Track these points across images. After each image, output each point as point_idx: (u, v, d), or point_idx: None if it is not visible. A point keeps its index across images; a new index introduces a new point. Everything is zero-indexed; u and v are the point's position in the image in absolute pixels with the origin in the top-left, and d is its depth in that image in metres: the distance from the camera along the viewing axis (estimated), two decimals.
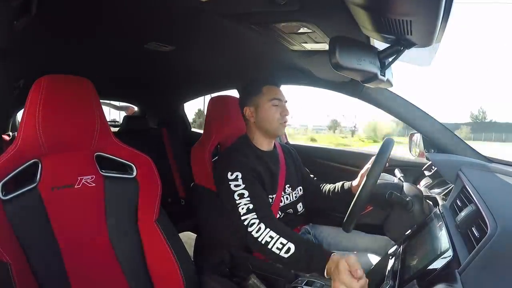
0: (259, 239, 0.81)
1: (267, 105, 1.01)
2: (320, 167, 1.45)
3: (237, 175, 0.92)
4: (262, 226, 0.83)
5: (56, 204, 0.73)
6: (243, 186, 0.90)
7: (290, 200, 1.07)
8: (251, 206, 0.87)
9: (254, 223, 0.84)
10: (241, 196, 0.89)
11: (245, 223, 0.85)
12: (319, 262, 0.72)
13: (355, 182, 1.04)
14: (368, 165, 1.00)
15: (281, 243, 0.79)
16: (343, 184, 1.09)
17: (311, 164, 1.36)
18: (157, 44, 1.01)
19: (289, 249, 0.77)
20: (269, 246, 0.80)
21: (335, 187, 1.12)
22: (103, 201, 0.79)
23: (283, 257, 0.77)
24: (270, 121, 1.01)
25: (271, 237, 0.80)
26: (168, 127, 2.20)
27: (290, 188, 1.08)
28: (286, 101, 1.04)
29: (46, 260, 0.71)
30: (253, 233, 0.83)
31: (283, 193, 1.05)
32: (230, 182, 0.92)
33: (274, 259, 0.81)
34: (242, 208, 0.87)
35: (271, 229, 0.82)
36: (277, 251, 0.78)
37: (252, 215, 0.86)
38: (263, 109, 1.01)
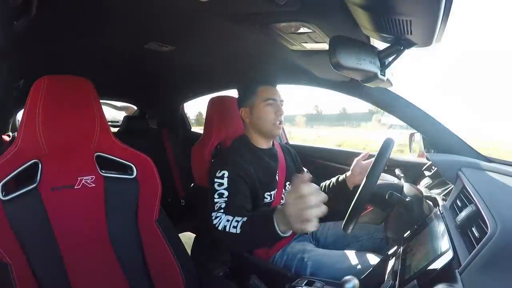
0: (219, 227, 0.81)
1: (261, 105, 1.01)
2: (320, 167, 1.44)
3: (223, 173, 0.92)
4: (223, 215, 0.83)
5: (56, 204, 0.73)
6: (225, 186, 0.90)
7: None
8: (223, 205, 0.86)
9: (218, 217, 0.83)
10: (221, 195, 0.89)
11: (213, 219, 0.84)
12: (271, 220, 0.69)
13: (348, 173, 1.04)
14: (359, 157, 1.02)
15: (236, 221, 0.79)
16: (337, 177, 1.10)
17: (311, 164, 1.36)
18: (157, 44, 1.02)
19: (243, 223, 0.77)
20: (227, 229, 0.79)
21: (330, 181, 1.12)
22: (103, 201, 0.79)
23: (240, 234, 0.77)
24: (264, 121, 1.01)
25: (228, 220, 0.80)
26: (168, 127, 2.20)
27: (290, 186, 1.08)
28: (282, 101, 1.04)
29: (46, 260, 0.71)
30: (214, 222, 0.83)
31: (283, 190, 1.05)
32: (216, 180, 0.92)
33: (235, 241, 0.80)
34: (215, 206, 0.86)
35: (227, 214, 0.82)
36: (234, 230, 0.78)
37: (220, 212, 0.85)
38: (257, 109, 1.01)
